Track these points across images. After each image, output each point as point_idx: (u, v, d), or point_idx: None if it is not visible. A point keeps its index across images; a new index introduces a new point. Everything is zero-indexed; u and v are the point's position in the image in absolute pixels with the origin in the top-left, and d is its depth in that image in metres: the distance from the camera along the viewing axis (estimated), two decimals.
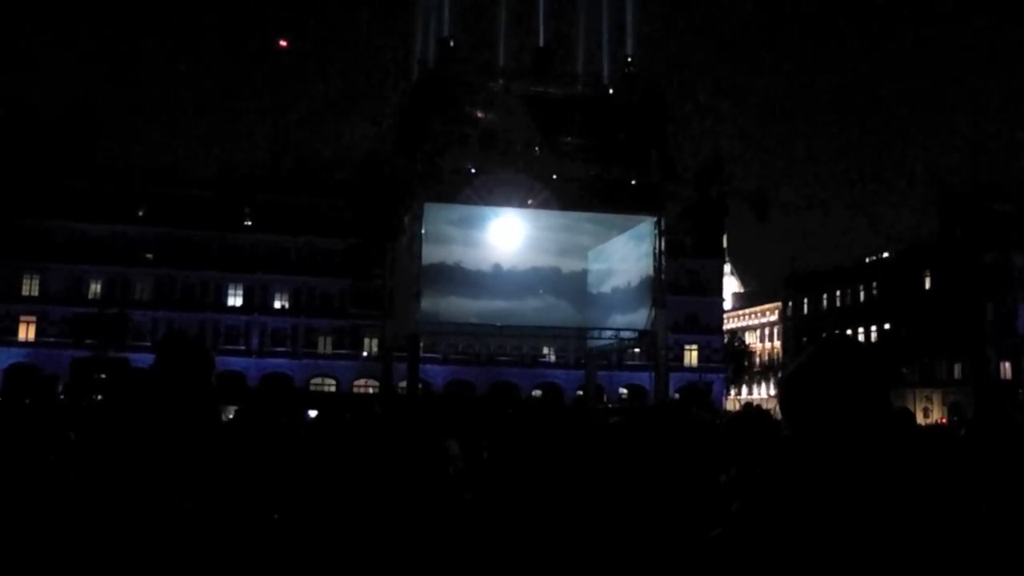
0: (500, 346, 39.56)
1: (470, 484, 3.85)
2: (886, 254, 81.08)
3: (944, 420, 59.33)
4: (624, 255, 34.48)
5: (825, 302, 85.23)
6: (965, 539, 2.11)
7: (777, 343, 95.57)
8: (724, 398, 74.77)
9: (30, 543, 2.39)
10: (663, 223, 34.33)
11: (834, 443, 2.07)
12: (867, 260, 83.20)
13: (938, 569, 2.00)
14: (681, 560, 3.00)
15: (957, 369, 69.92)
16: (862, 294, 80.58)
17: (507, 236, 33.04)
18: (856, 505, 1.99)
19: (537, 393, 67.38)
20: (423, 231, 31.94)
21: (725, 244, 79.12)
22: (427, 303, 31.49)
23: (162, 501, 2.36)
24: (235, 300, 68.94)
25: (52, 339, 64.65)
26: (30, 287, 65.90)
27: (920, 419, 52.00)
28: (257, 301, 68.92)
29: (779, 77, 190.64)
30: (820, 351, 2.24)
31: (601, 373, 48.93)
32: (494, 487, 3.39)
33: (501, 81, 33.30)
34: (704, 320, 73.22)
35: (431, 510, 3.45)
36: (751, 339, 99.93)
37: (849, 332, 78.35)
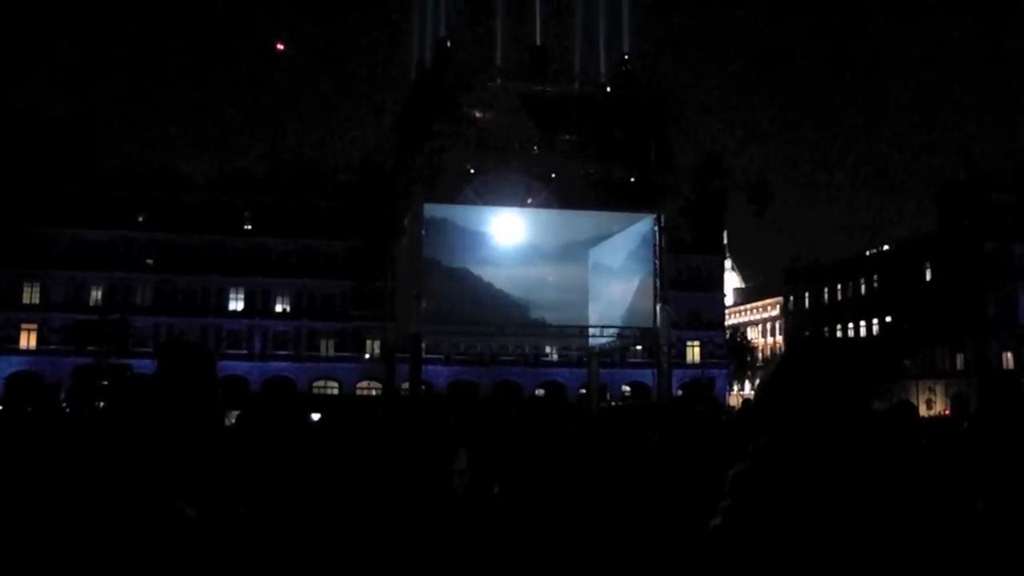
0: (502, 345, 39.61)
1: (475, 505, 3.81)
2: (886, 246, 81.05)
3: (948, 411, 59.31)
4: (625, 252, 34.49)
5: (826, 295, 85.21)
6: (947, 543, 2.09)
7: (779, 338, 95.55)
8: (727, 394, 74.70)
9: (31, 551, 2.38)
10: (663, 219, 34.36)
11: (810, 447, 2.04)
12: (867, 253, 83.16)
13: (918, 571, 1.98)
14: (686, 557, 2.99)
15: (959, 360, 69.84)
16: (863, 287, 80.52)
17: (507, 235, 33.04)
18: (832, 510, 1.97)
19: (540, 392, 67.33)
20: (423, 232, 31.96)
21: (725, 239, 79.04)
22: (428, 304, 31.50)
23: (166, 509, 2.35)
24: (236, 304, 68.92)
25: (53, 346, 64.62)
26: (31, 294, 65.86)
27: (923, 411, 51.98)
28: (258, 305, 68.89)
29: (777, 71, 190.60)
30: (793, 354, 2.22)
31: (604, 371, 48.91)
32: (504, 519, 3.36)
33: (499, 81, 33.33)
34: (706, 316, 73.14)
35: (434, 523, 3.44)
36: (753, 334, 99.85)
37: (851, 325, 78.41)
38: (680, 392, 61.26)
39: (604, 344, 37.13)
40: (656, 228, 33.89)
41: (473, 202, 32.43)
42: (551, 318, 33.50)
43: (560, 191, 32.99)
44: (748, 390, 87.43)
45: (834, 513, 1.97)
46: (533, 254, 33.26)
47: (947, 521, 2.22)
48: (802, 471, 2.02)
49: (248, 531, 2.99)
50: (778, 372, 2.19)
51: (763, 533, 1.98)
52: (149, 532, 2.26)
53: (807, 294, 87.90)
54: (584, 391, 52.56)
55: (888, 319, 75.76)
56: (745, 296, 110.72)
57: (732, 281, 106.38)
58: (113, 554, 2.22)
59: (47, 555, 2.27)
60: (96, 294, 66.33)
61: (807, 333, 73.98)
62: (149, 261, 66.68)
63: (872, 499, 1.99)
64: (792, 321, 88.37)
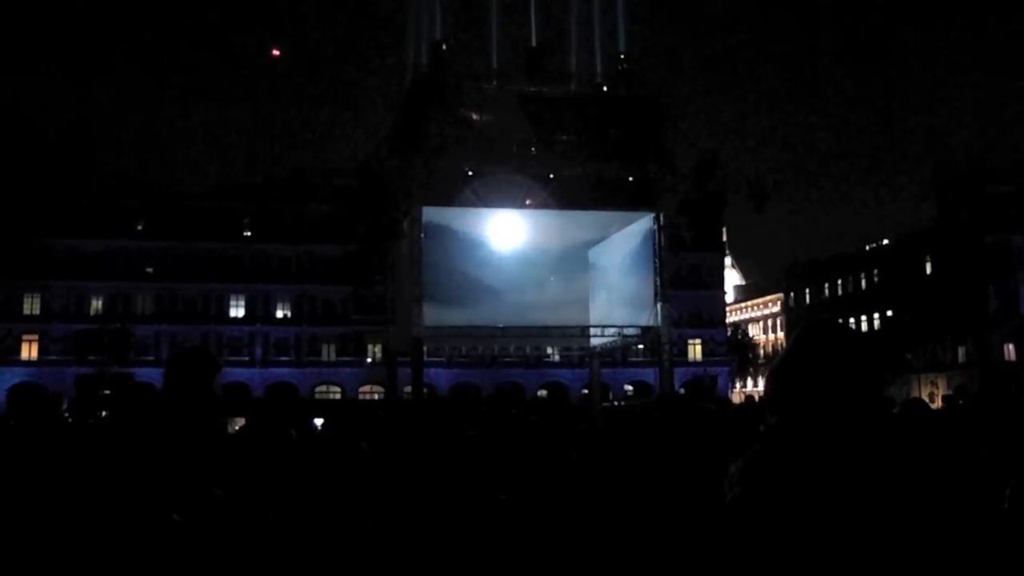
0: (504, 347, 39.59)
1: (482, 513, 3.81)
2: (886, 241, 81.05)
3: None
4: (624, 251, 34.46)
5: (827, 291, 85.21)
6: (959, 531, 2.07)
7: (780, 334, 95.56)
8: (729, 391, 74.69)
9: (32, 558, 2.38)
10: (662, 218, 34.33)
11: (820, 431, 2.02)
12: (867, 247, 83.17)
13: (931, 563, 1.95)
14: (688, 551, 2.99)
15: (961, 353, 69.83)
16: (864, 282, 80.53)
17: (506, 236, 33.01)
18: (844, 495, 1.95)
19: (543, 393, 67.36)
20: (422, 235, 31.93)
21: (725, 237, 79.08)
22: (429, 307, 31.47)
23: (164, 517, 2.35)
24: (237, 311, 68.96)
25: (55, 357, 64.63)
26: (31, 305, 65.88)
27: None
28: (259, 311, 68.92)
29: (775, 66, 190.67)
30: (802, 337, 2.18)
31: (605, 370, 48.90)
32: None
33: (495, 82, 33.33)
34: (707, 314, 73.20)
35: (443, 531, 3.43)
36: (754, 331, 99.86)
37: (852, 320, 78.36)
38: (682, 390, 61.27)
39: (605, 344, 37.10)
40: (656, 226, 33.86)
41: (472, 204, 32.41)
42: (552, 319, 33.44)
43: (559, 191, 32.99)
44: (750, 387, 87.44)
45: (851, 500, 1.94)
46: (533, 255, 33.21)
47: (967, 508, 2.20)
48: (816, 455, 1.99)
49: (254, 534, 2.99)
50: (791, 354, 2.15)
51: (777, 522, 1.95)
52: (135, 538, 2.26)
53: (808, 290, 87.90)
54: (586, 391, 52.57)
55: (889, 313, 75.73)
56: (746, 293, 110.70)
57: (732, 278, 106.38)
58: (100, 559, 2.22)
59: (41, 560, 2.27)
60: (97, 303, 66.36)
61: (818, 317, 73.68)
62: (149, 270, 66.70)
63: (889, 486, 1.97)
64: (793, 318, 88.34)
